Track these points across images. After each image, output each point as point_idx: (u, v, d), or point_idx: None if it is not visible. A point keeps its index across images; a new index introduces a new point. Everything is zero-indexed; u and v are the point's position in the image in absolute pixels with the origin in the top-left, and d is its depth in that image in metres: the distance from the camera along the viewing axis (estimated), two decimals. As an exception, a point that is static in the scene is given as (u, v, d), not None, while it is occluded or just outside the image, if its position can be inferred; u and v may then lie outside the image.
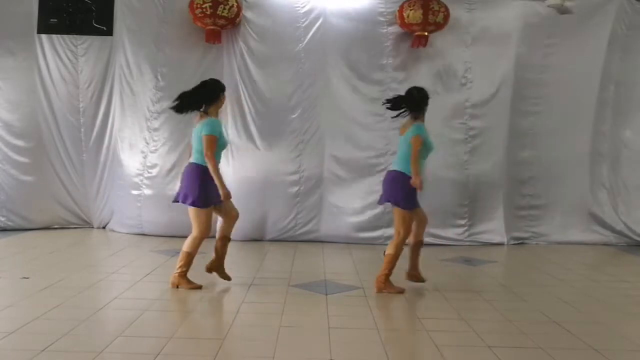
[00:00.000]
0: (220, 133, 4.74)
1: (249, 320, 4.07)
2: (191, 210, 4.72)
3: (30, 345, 3.40)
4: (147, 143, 7.50)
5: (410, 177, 4.71)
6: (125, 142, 7.60)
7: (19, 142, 7.61)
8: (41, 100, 7.65)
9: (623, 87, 7.64)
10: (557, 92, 7.55)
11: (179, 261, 4.85)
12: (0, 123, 7.57)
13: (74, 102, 7.70)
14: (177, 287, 4.84)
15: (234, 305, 4.40)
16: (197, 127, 4.76)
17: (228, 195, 4.69)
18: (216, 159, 4.68)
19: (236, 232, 7.27)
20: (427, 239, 7.30)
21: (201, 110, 4.76)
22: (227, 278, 5.07)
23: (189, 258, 4.83)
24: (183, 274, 4.84)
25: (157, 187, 7.45)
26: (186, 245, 4.81)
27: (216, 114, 4.84)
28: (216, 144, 4.64)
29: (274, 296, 4.73)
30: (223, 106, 5.01)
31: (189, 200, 4.67)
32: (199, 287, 4.87)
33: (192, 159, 4.77)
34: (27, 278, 5.06)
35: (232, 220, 4.98)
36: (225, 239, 5.03)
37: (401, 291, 4.87)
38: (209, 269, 5.04)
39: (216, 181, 4.62)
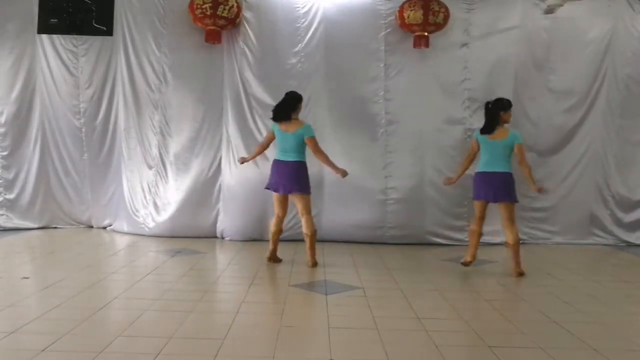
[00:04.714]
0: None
1: (249, 320, 4.06)
2: (303, 199, 5.71)
3: (30, 345, 3.40)
4: (149, 143, 7.51)
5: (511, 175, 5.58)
6: (127, 142, 7.59)
7: (20, 143, 7.61)
8: (42, 101, 7.65)
9: (630, 91, 7.60)
10: (560, 93, 7.53)
11: (309, 248, 5.83)
12: (1, 123, 7.58)
13: (74, 102, 7.68)
14: (273, 261, 5.90)
15: (234, 305, 4.40)
16: (291, 132, 5.74)
17: (345, 172, 5.76)
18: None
19: (236, 232, 7.37)
20: (427, 239, 7.39)
21: (292, 117, 5.83)
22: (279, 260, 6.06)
23: (313, 236, 5.80)
24: (314, 254, 5.85)
25: (157, 188, 7.45)
26: (306, 228, 5.75)
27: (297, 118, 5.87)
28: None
29: (274, 296, 4.73)
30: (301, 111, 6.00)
31: (305, 191, 5.70)
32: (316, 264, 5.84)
33: (291, 158, 5.73)
34: (27, 278, 5.06)
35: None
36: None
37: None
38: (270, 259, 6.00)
39: (332, 167, 5.78)
